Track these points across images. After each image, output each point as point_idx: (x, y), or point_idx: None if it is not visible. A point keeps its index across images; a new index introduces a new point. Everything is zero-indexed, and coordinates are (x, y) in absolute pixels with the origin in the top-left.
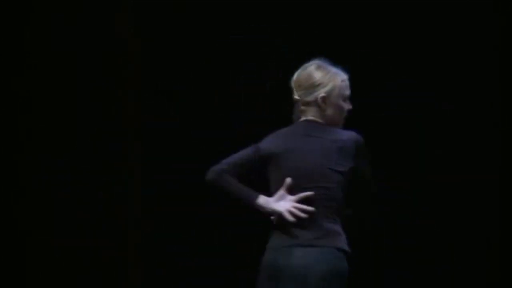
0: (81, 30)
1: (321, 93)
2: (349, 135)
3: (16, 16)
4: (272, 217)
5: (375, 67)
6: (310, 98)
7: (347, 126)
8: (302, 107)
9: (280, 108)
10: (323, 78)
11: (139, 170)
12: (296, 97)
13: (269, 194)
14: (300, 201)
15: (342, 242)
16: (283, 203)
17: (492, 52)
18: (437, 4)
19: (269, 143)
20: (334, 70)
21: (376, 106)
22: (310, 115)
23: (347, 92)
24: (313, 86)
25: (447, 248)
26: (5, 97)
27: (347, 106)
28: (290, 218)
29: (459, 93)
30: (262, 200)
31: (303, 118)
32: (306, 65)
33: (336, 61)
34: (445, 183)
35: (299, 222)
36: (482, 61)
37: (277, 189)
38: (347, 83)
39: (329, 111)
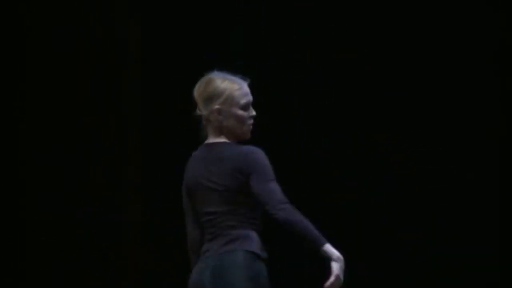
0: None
1: (215, 105)
2: (241, 150)
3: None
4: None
5: (374, 67)
6: (207, 112)
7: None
8: (204, 122)
9: None
10: (215, 90)
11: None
12: (198, 111)
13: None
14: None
15: (252, 246)
16: None
17: (492, 52)
18: (437, 5)
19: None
20: (229, 79)
21: (376, 106)
22: (211, 131)
23: (244, 100)
24: (209, 99)
25: (446, 248)
26: (5, 97)
27: (249, 113)
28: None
29: (458, 92)
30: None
31: (208, 141)
32: (204, 77)
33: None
34: (444, 183)
35: (207, 237)
36: (482, 61)
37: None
38: (244, 90)
39: (226, 123)
